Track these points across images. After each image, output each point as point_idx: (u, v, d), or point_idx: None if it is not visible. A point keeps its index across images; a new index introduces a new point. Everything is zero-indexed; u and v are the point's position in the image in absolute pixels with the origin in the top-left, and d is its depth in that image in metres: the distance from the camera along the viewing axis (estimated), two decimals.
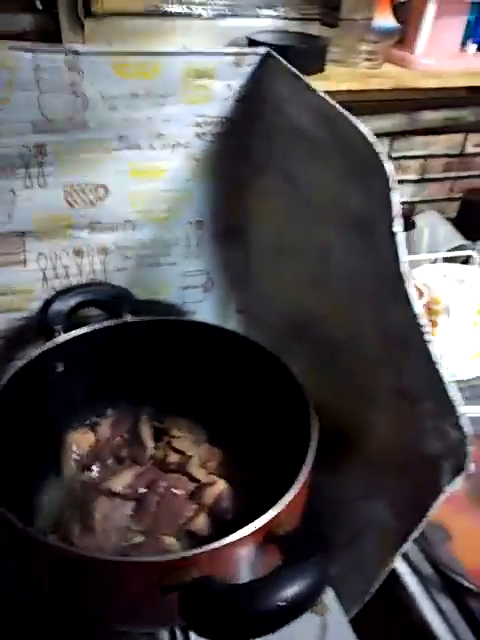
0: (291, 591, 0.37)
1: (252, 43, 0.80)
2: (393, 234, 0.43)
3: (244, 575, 0.44)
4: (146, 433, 0.63)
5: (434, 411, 0.46)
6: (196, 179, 0.68)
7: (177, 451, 0.61)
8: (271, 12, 0.85)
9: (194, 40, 0.82)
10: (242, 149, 0.67)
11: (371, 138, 0.43)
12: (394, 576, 0.61)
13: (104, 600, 0.44)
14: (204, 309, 0.76)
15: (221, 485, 0.57)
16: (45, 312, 0.63)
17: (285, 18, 0.87)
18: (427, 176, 1.10)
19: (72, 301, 0.64)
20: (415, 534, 0.52)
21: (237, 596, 0.38)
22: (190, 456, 0.60)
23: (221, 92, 0.63)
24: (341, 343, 0.58)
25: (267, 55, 0.62)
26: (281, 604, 0.37)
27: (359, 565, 0.58)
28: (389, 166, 0.42)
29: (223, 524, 0.54)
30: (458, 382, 0.79)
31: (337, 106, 0.48)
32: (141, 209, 0.68)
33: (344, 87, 0.80)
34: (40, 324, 0.63)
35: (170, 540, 0.53)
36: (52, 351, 0.60)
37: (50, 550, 0.43)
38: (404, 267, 0.43)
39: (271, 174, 0.65)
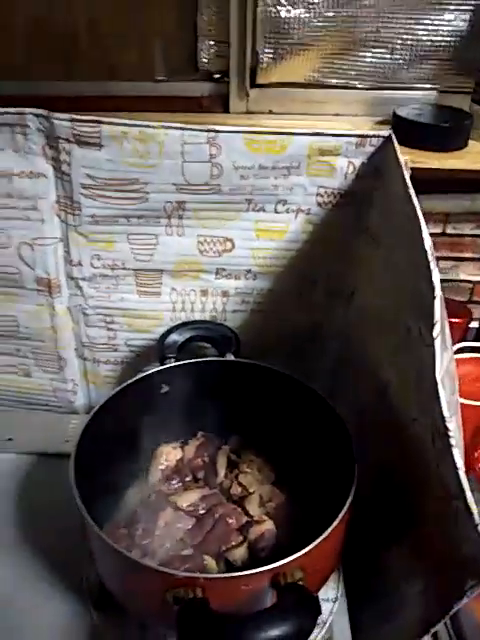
0: (259, 635, 0.42)
1: (397, 117, 0.84)
2: (433, 340, 0.45)
3: (243, 608, 0.49)
4: (221, 462, 0.70)
5: (462, 514, 0.47)
6: (314, 242, 0.75)
7: (241, 485, 0.67)
8: (425, 84, 0.87)
9: (348, 108, 0.88)
10: (358, 220, 0.72)
11: (428, 245, 0.46)
12: None
13: (129, 592, 0.53)
14: (303, 359, 0.81)
15: (268, 525, 0.62)
16: (163, 340, 0.74)
17: (439, 90, 0.88)
18: None
19: (186, 334, 0.75)
20: (435, 629, 0.52)
21: (221, 622, 0.44)
22: (251, 492, 0.66)
23: (343, 168, 0.69)
24: (406, 422, 0.60)
25: (388, 137, 0.66)
26: None
27: None
28: (436, 277, 0.45)
29: (258, 560, 0.60)
30: None
31: (416, 207, 0.51)
32: (261, 263, 0.77)
33: (478, 167, 0.79)
34: (157, 349, 0.74)
35: (210, 561, 0.60)
36: (159, 374, 0.71)
37: (100, 538, 0.53)
38: (439, 373, 0.45)
39: (380, 247, 0.69)
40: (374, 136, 0.67)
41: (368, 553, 0.67)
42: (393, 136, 0.66)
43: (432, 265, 0.45)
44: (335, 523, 0.52)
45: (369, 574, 0.68)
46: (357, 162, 0.68)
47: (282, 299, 0.80)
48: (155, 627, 0.58)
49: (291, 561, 0.49)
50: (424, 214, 0.90)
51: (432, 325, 0.45)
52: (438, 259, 0.99)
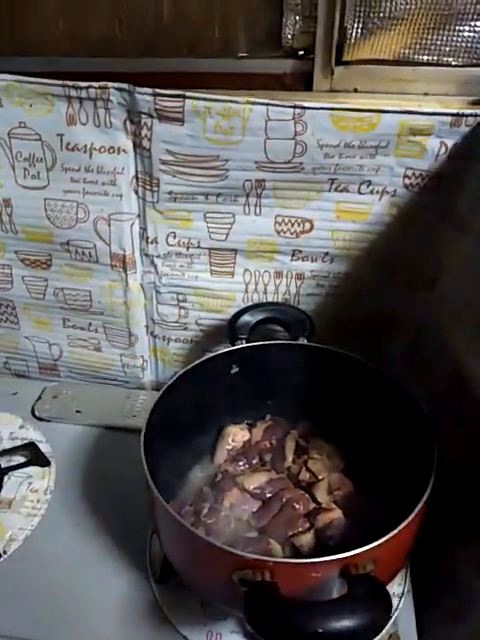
0: (330, 625, 0.41)
1: None
2: None
3: (309, 595, 0.48)
4: (290, 447, 0.69)
5: None
6: (396, 226, 0.72)
7: (310, 471, 0.66)
8: None
9: (439, 87, 0.83)
10: (447, 205, 0.68)
11: None
12: None
13: (194, 570, 0.53)
14: (377, 346, 0.78)
15: (336, 514, 0.61)
16: (234, 321, 0.73)
17: None
18: None
19: (258, 316, 0.74)
20: None
21: (290, 607, 0.43)
22: (320, 479, 0.65)
23: (435, 149, 0.66)
24: None
25: None
26: (319, 630, 0.41)
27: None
28: None
29: (325, 548, 0.58)
30: None
31: None
32: (340, 246, 0.74)
33: None
34: (229, 329, 0.74)
35: (275, 545, 0.59)
36: (230, 354, 0.70)
37: (168, 515, 0.53)
38: None
39: (470, 234, 0.66)
40: (471, 115, 0.63)
41: (437, 550, 0.65)
42: None
43: None
44: (411, 516, 0.50)
45: (438, 571, 0.65)
46: (450, 143, 0.65)
47: (359, 284, 0.77)
48: (217, 605, 0.58)
49: (364, 551, 0.47)
50: None
51: None
52: None
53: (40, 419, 0.86)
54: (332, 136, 0.65)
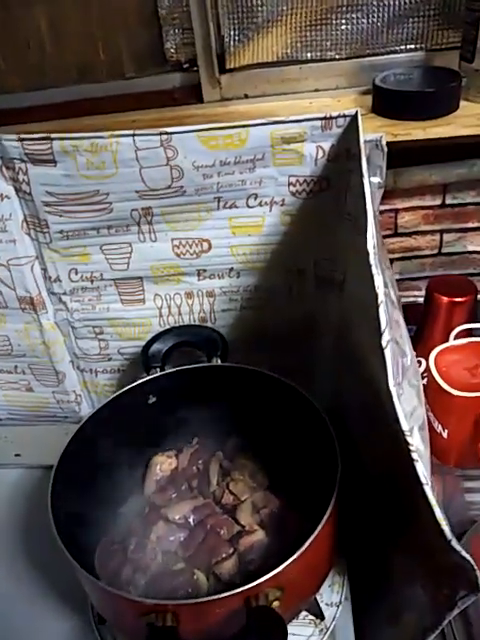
0: None
1: (376, 86, 0.77)
2: (382, 348, 0.42)
3: (218, 631, 0.48)
4: (214, 470, 0.69)
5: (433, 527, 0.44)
6: (294, 233, 0.71)
7: (232, 493, 0.66)
8: (409, 45, 0.80)
9: (328, 82, 0.83)
10: (337, 203, 0.68)
11: (371, 246, 0.43)
12: None
13: (110, 616, 0.53)
14: (303, 354, 0.78)
15: (257, 536, 0.61)
16: (146, 351, 0.73)
17: (426, 49, 0.81)
18: None
19: (169, 342, 0.73)
20: (433, 636, 0.50)
21: None
22: (242, 501, 0.65)
23: (312, 154, 0.65)
24: (393, 421, 0.56)
25: (356, 115, 0.61)
26: None
27: None
28: (378, 282, 0.41)
29: (248, 572, 0.58)
30: None
31: (366, 197, 0.48)
32: (242, 260, 0.74)
33: (465, 132, 0.72)
34: (142, 360, 0.73)
35: (200, 575, 0.59)
36: (143, 385, 0.70)
37: (78, 569, 0.53)
38: (392, 384, 0.42)
39: (360, 231, 0.65)
40: (340, 116, 0.62)
41: (375, 556, 0.65)
42: (359, 115, 0.61)
43: (374, 269, 0.42)
44: (309, 541, 0.50)
45: (376, 577, 0.65)
46: (326, 146, 0.64)
47: (271, 294, 0.77)
48: None
49: (265, 581, 0.47)
50: (418, 187, 0.86)
51: (380, 334, 0.42)
52: (441, 231, 0.94)
53: None
54: (205, 156, 0.64)
